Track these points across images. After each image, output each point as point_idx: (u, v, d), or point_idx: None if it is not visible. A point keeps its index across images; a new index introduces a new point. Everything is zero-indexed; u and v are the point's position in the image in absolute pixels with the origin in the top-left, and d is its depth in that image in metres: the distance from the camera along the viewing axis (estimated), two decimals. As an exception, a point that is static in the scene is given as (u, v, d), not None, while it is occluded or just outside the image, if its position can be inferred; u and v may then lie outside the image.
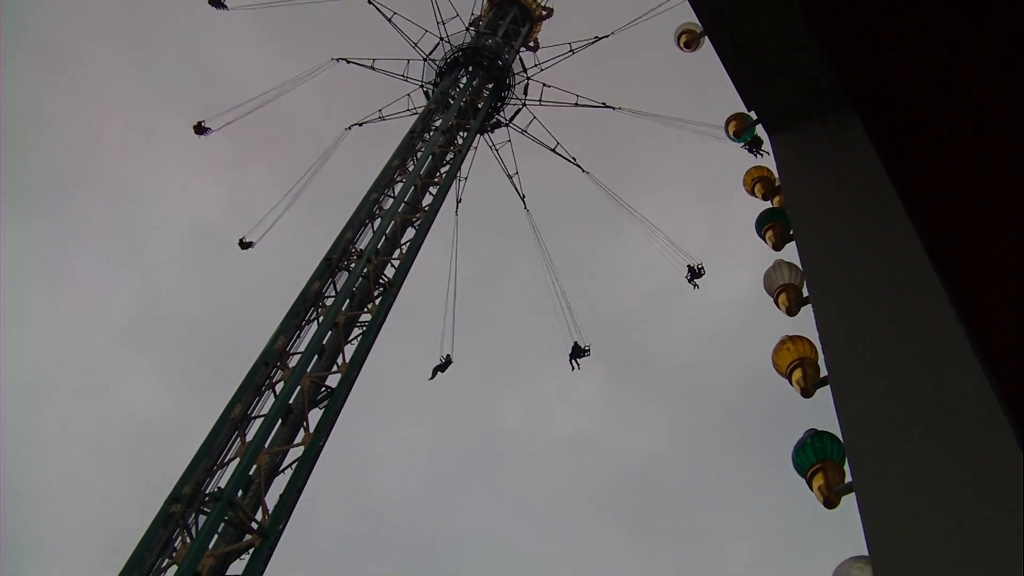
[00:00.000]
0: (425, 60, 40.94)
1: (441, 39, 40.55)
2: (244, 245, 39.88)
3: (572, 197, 63.36)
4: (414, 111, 39.84)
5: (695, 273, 41.33)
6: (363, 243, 27.67)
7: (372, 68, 42.36)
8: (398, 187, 30.27)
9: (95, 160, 68.65)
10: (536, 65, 42.04)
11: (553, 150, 42.62)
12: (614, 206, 45.34)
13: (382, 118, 42.06)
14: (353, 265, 26.29)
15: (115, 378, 65.41)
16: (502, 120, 41.69)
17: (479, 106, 36.88)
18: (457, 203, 41.61)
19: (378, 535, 64.02)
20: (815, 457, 4.74)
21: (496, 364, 71.03)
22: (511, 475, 70.74)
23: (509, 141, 42.55)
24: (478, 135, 37.65)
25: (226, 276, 69.81)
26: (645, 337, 70.78)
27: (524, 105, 42.05)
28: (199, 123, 41.41)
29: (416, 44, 41.29)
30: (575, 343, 41.08)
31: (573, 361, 40.73)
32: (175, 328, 68.91)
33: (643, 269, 65.16)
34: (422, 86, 41.06)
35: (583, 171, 43.39)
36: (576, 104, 42.12)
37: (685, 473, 68.91)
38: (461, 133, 34.60)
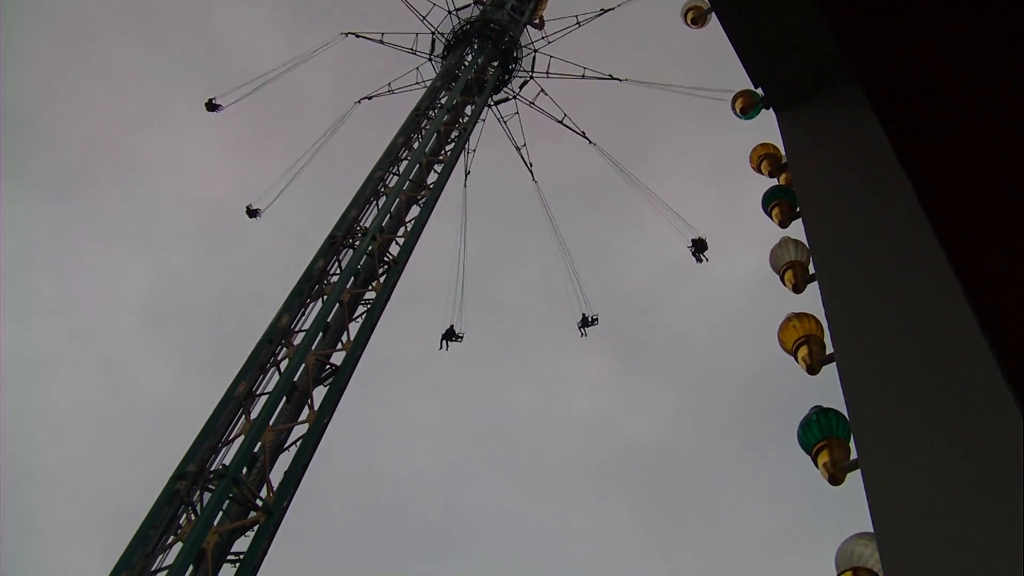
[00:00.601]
0: (433, 34, 41.02)
1: (449, 12, 40.42)
2: (251, 213, 40.40)
3: (581, 178, 63.27)
4: (423, 84, 39.84)
5: (699, 247, 41.34)
6: (368, 221, 27.60)
7: (381, 42, 42.31)
8: (403, 165, 30.19)
9: (106, 138, 68.48)
10: (544, 38, 42.04)
11: (560, 122, 42.68)
12: (623, 185, 45.28)
13: (391, 91, 42.16)
14: (358, 243, 26.25)
15: (129, 357, 65.47)
16: (509, 93, 41.97)
17: (485, 81, 36.69)
18: (466, 175, 42.27)
19: (387, 516, 64.18)
20: (820, 434, 4.74)
21: (505, 344, 70.89)
22: (521, 456, 70.82)
23: (517, 113, 42.82)
24: (485, 109, 37.51)
25: (239, 254, 69.78)
26: (656, 317, 70.58)
27: (531, 77, 42.25)
28: (210, 100, 41.50)
29: (424, 17, 41.24)
30: (583, 315, 42.75)
31: (583, 329, 42.77)
32: (188, 307, 68.93)
33: (654, 249, 64.97)
34: (430, 59, 41.22)
35: (590, 142, 43.45)
36: (583, 76, 42.13)
37: (698, 452, 68.99)
38: (466, 110, 34.43)
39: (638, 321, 70.59)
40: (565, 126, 42.67)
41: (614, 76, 42.86)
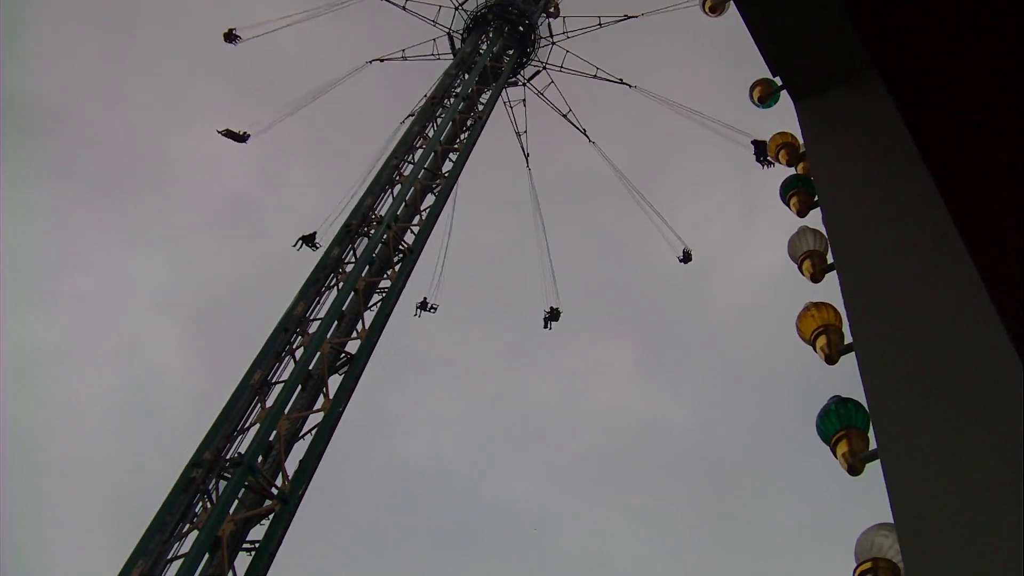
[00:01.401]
0: (457, 8, 41.54)
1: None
2: (238, 138, 39.82)
3: (600, 175, 63.01)
4: (438, 57, 40.26)
5: (686, 257, 44.22)
6: (383, 209, 27.79)
7: (404, 8, 42.30)
8: (418, 153, 30.38)
9: (125, 125, 68.59)
10: (564, 33, 42.07)
11: (565, 116, 43.08)
12: (640, 181, 45.33)
13: (404, 58, 42.25)
14: (373, 231, 26.32)
15: (144, 345, 65.74)
16: (520, 78, 42.33)
17: (500, 69, 36.75)
18: (526, 157, 43.64)
19: (410, 508, 64.28)
20: (839, 424, 4.75)
21: (528, 335, 70.77)
22: (545, 447, 70.68)
23: (524, 101, 43.31)
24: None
25: (257, 244, 69.84)
26: (680, 309, 70.33)
27: (544, 68, 42.59)
28: (230, 30, 41.60)
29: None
30: (551, 307, 43.86)
31: (548, 324, 43.90)
32: (206, 297, 69.11)
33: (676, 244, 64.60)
34: (448, 34, 41.55)
35: (589, 140, 44.14)
36: (595, 76, 42.26)
37: (728, 445, 68.48)
38: (481, 99, 34.50)
39: (663, 313, 70.34)
40: (568, 120, 42.88)
41: (625, 81, 43.07)
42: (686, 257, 44.05)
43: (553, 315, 43.75)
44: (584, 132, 43.55)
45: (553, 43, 42.02)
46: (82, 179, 64.84)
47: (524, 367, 73.35)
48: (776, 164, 7.83)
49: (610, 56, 46.99)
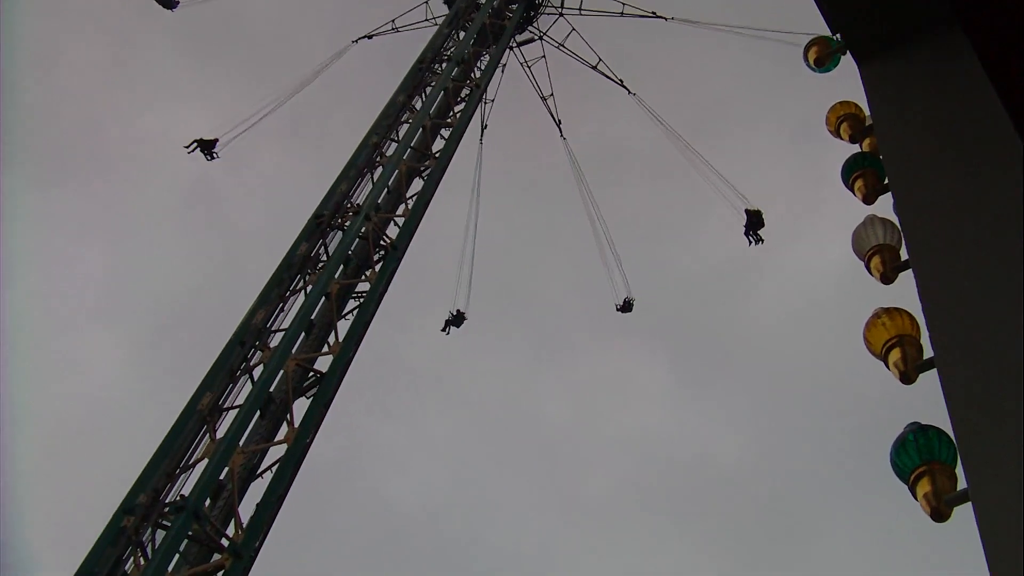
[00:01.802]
0: None
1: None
2: (205, 148, 37.78)
3: (625, 142, 62.76)
4: (433, 21, 40.41)
5: (753, 223, 41.14)
6: (361, 197, 27.63)
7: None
8: (403, 129, 30.23)
9: (55, 89, 68.32)
10: (579, 9, 42.25)
11: (594, 67, 43.19)
12: (677, 152, 44.82)
13: (395, 30, 42.55)
14: (348, 224, 26.17)
15: (82, 360, 65.49)
16: (534, 32, 42.44)
17: (503, 27, 36.66)
18: (482, 130, 42.93)
19: (400, 550, 63.95)
20: (919, 458, 4.60)
21: (538, 344, 70.45)
22: (558, 481, 70.23)
23: (543, 57, 43.48)
24: (506, 52, 38.20)
25: (215, 237, 69.60)
26: (719, 314, 69.85)
27: (561, 14, 42.85)
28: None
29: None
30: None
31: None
32: (156, 301, 68.67)
33: (721, 229, 64.06)
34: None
35: (628, 92, 43.69)
36: (622, 14, 42.36)
37: (776, 479, 67.85)
38: (480, 63, 34.38)
39: (699, 319, 69.77)
40: (600, 72, 42.61)
41: (658, 14, 43.15)
42: (753, 224, 41.04)
43: (455, 320, 43.76)
44: (621, 83, 43.43)
45: (561, 14, 42.38)
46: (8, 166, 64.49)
47: (534, 384, 72.80)
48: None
49: (618, 51, 46.69)
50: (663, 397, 70.83)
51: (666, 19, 43.38)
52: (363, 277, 25.74)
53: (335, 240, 25.97)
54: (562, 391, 73.37)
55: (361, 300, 25.15)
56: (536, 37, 42.76)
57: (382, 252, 26.50)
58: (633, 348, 71.11)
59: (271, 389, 21.73)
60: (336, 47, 43.68)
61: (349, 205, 27.10)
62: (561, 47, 42.89)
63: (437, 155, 30.13)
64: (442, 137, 31.02)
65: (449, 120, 31.49)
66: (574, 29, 42.65)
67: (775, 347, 68.35)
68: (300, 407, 22.01)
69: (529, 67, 43.20)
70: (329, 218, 26.24)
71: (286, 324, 23.57)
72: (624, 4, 43.13)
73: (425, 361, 64.70)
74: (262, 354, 22.65)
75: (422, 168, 29.52)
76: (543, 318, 71.97)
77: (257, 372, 22.11)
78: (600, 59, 43.88)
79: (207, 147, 37.66)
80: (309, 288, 24.42)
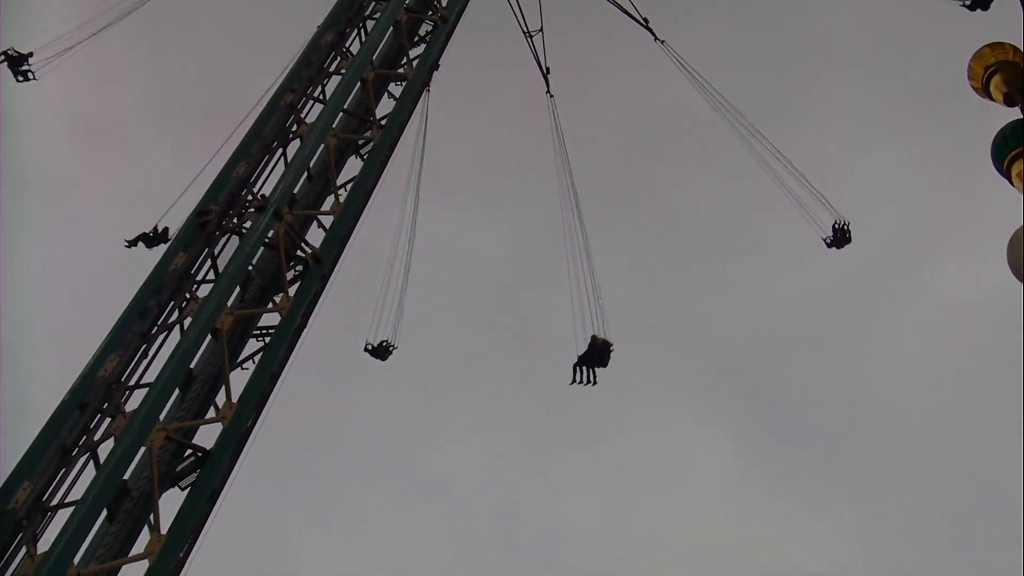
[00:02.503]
0: None
1: None
2: (14, 63, 29.19)
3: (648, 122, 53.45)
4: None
5: (838, 236, 34.00)
6: (268, 186, 22.41)
7: None
8: (332, 84, 25.11)
9: None
10: None
11: (616, 4, 37.66)
12: (720, 136, 37.66)
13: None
14: (248, 225, 21.21)
15: None
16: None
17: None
18: (544, 75, 36.84)
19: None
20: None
21: (547, 410, 59.93)
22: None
23: None
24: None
25: (60, 241, 59.86)
26: (810, 365, 57.41)
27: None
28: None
29: None
30: (592, 338, 31.57)
31: (581, 370, 31.13)
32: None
33: (802, 244, 49.21)
34: None
35: (655, 38, 37.28)
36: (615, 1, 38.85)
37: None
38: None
39: (779, 379, 57.45)
40: (617, 6, 37.69)
41: (651, 27, 37.79)
42: (841, 236, 33.93)
43: (378, 351, 36.02)
44: (646, 23, 36.86)
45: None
46: None
47: (539, 462, 62.97)
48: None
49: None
50: (726, 488, 60.85)
51: (657, 38, 38.29)
52: (270, 304, 20.67)
53: (228, 248, 20.88)
54: (582, 475, 61.87)
55: (268, 339, 20.18)
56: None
57: (300, 267, 21.38)
58: (683, 412, 60.03)
59: (125, 477, 16.73)
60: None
61: (250, 197, 22.08)
62: None
63: (383, 122, 24.92)
64: (391, 96, 25.99)
65: (402, 70, 26.42)
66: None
67: (895, 418, 55.38)
68: (169, 506, 17.02)
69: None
70: (219, 217, 21.31)
71: (151, 377, 18.47)
72: None
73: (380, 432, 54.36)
74: (113, 421, 17.69)
75: (360, 141, 24.52)
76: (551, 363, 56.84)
77: (104, 452, 17.01)
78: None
79: (15, 63, 30.19)
80: (187, 322, 19.44)
